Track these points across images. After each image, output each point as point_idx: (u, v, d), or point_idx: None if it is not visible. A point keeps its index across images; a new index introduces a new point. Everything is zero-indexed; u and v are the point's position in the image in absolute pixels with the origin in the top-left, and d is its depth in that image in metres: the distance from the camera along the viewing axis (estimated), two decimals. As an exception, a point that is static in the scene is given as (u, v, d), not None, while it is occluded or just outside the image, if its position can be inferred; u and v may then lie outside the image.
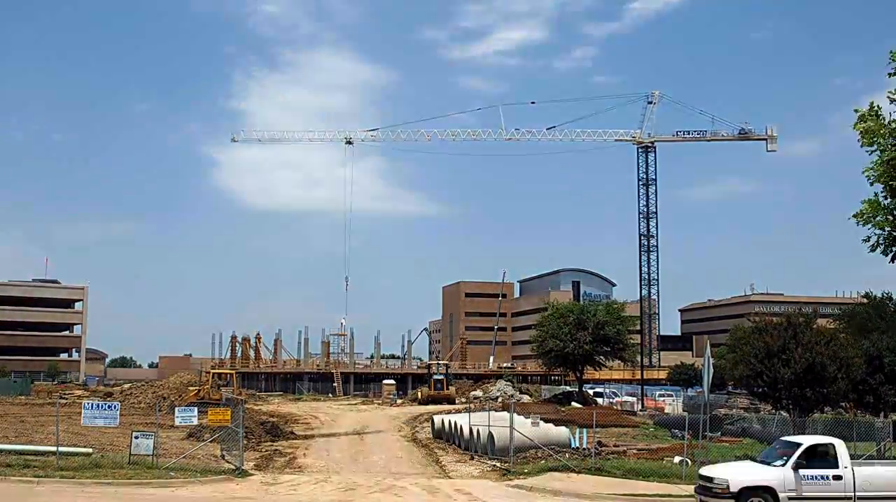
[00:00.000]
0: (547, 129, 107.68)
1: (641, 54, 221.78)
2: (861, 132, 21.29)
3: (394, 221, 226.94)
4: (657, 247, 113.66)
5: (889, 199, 22.29)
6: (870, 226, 22.68)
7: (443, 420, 35.28)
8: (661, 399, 62.23)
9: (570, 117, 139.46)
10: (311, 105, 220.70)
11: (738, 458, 26.43)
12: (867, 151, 22.28)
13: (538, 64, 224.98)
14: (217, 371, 60.90)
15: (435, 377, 66.34)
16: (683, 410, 49.58)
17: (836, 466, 18.24)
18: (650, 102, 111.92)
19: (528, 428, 27.12)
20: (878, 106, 20.63)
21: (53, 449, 22.61)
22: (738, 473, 18.74)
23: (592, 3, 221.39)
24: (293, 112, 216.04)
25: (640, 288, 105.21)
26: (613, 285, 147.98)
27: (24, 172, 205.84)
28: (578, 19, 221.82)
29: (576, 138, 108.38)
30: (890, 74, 19.16)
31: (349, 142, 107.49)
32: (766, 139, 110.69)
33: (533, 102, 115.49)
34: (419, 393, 67.34)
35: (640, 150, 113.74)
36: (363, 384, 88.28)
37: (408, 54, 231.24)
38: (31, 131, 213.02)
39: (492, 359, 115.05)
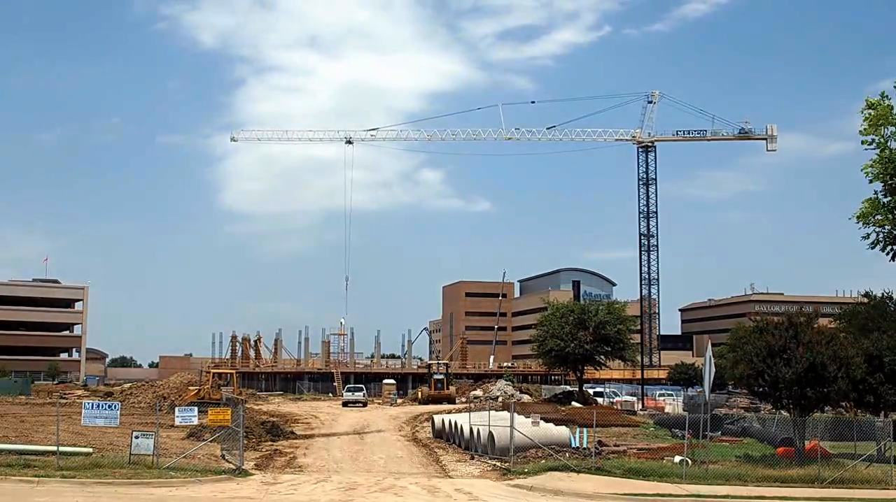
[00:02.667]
0: (547, 129, 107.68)
1: (678, 54, 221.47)
2: (866, 118, 21.29)
3: (394, 220, 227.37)
4: (657, 246, 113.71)
5: (888, 197, 22.34)
6: (870, 224, 22.72)
7: (443, 419, 35.30)
8: (662, 398, 62.30)
9: (579, 115, 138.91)
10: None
11: (738, 458, 26.47)
12: (865, 146, 22.32)
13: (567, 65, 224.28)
14: (217, 370, 60.92)
15: (435, 377, 66.40)
16: (683, 410, 49.56)
17: None
18: (650, 102, 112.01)
19: (528, 427, 27.10)
20: (887, 95, 20.65)
21: (54, 448, 22.58)
22: None
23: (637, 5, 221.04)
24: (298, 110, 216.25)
25: (641, 287, 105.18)
26: (613, 285, 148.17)
27: (24, 172, 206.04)
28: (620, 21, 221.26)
29: (576, 138, 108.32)
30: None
31: (349, 142, 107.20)
32: (766, 139, 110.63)
33: (533, 102, 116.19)
34: (419, 393, 67.41)
35: (640, 150, 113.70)
36: (364, 384, 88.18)
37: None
38: (33, 130, 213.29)
39: (492, 358, 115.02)
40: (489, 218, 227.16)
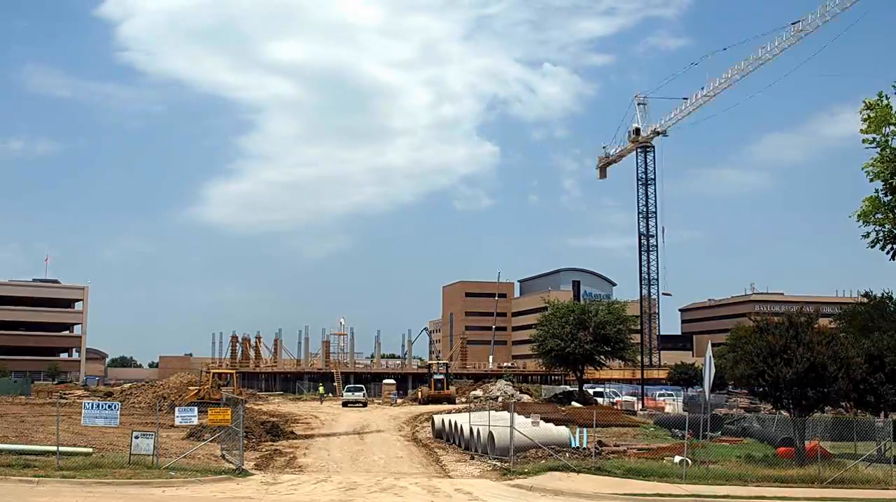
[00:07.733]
0: None
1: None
2: (865, 119, 21.33)
3: (394, 218, 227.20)
4: (657, 246, 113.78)
5: (889, 196, 22.36)
6: (870, 223, 22.74)
7: (443, 419, 35.29)
8: (662, 398, 62.22)
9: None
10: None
11: (738, 458, 26.46)
12: (866, 145, 22.36)
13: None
14: (217, 370, 60.91)
15: (435, 377, 66.37)
16: (683, 410, 49.56)
17: None
18: (640, 104, 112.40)
19: (528, 427, 27.09)
20: (885, 95, 20.69)
21: (54, 448, 22.57)
22: None
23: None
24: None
25: (641, 287, 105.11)
26: (614, 285, 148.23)
27: (25, 172, 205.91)
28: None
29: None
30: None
31: None
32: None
33: None
34: (419, 393, 67.38)
35: (639, 150, 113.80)
36: (364, 384, 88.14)
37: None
38: (33, 130, 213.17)
39: (491, 358, 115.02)
40: (488, 217, 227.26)
